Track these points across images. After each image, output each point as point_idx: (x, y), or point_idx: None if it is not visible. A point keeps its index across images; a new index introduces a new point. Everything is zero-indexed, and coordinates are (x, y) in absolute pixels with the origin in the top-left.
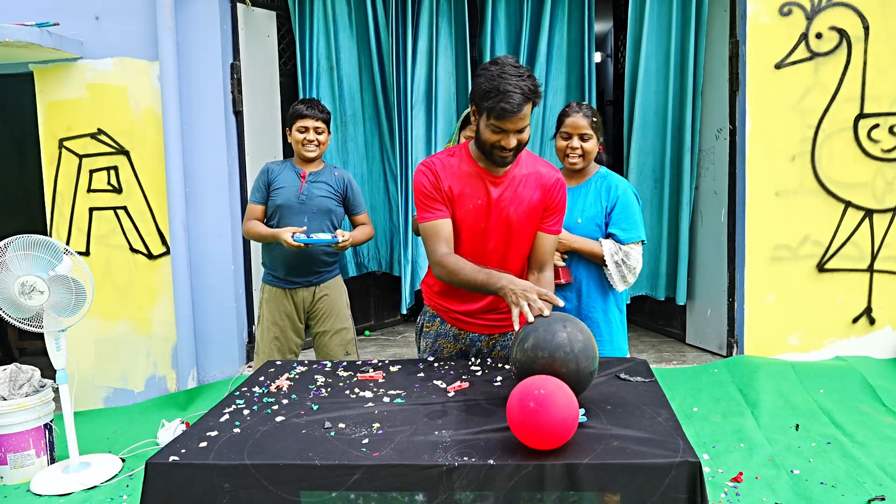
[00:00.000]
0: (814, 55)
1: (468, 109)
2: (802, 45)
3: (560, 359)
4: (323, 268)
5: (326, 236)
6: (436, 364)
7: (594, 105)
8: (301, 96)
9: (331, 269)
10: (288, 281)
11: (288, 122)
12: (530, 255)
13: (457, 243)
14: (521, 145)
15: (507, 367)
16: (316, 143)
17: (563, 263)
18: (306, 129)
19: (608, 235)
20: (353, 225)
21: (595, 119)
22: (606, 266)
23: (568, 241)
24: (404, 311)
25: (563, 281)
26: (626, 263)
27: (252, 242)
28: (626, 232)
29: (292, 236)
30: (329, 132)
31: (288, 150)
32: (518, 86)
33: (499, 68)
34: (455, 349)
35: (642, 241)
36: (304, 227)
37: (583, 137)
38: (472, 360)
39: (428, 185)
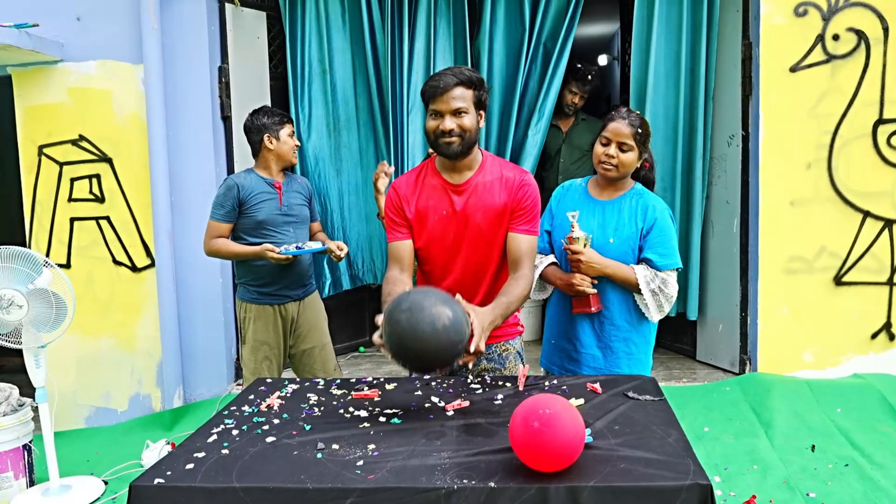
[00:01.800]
0: (830, 58)
1: None
2: (818, 47)
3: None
4: (309, 280)
5: (313, 245)
6: (433, 382)
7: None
8: (292, 101)
9: (312, 283)
10: (279, 296)
11: (271, 129)
12: (508, 258)
13: (429, 258)
14: (464, 132)
15: (508, 384)
16: (297, 145)
17: (593, 290)
18: (291, 136)
19: (641, 260)
20: (310, 232)
21: (640, 131)
22: (640, 294)
23: (600, 265)
24: None
25: (593, 309)
26: (664, 292)
27: None
28: (663, 258)
29: (280, 251)
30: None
31: None
32: (449, 71)
33: (443, 69)
34: None
35: (678, 269)
36: (285, 246)
37: (622, 147)
38: (472, 377)
39: (391, 207)
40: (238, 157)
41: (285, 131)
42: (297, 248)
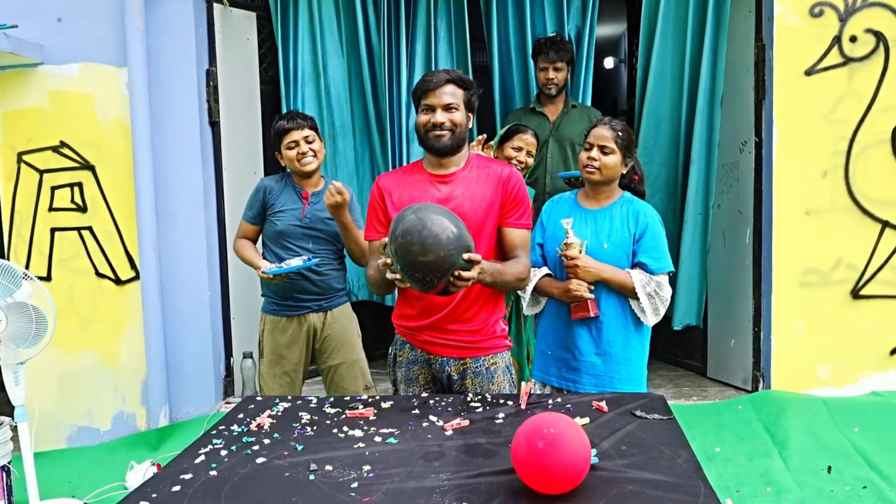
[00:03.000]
0: (848, 60)
1: (507, 126)
2: (835, 49)
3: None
4: (336, 290)
5: (299, 261)
6: (431, 400)
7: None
8: (284, 106)
9: (340, 294)
10: (297, 307)
11: (274, 143)
12: (503, 254)
13: None
14: (455, 127)
15: (509, 402)
16: (311, 153)
17: (590, 294)
18: (296, 143)
19: (635, 265)
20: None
21: (622, 134)
22: (637, 299)
23: (596, 269)
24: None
25: (591, 314)
26: (659, 295)
27: (231, 266)
28: (656, 261)
29: (268, 267)
30: (321, 139)
31: (271, 165)
32: (442, 70)
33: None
34: (429, 375)
35: (670, 272)
36: (274, 264)
37: (603, 150)
38: (471, 395)
39: (373, 202)
40: (227, 165)
41: (284, 144)
42: (280, 267)
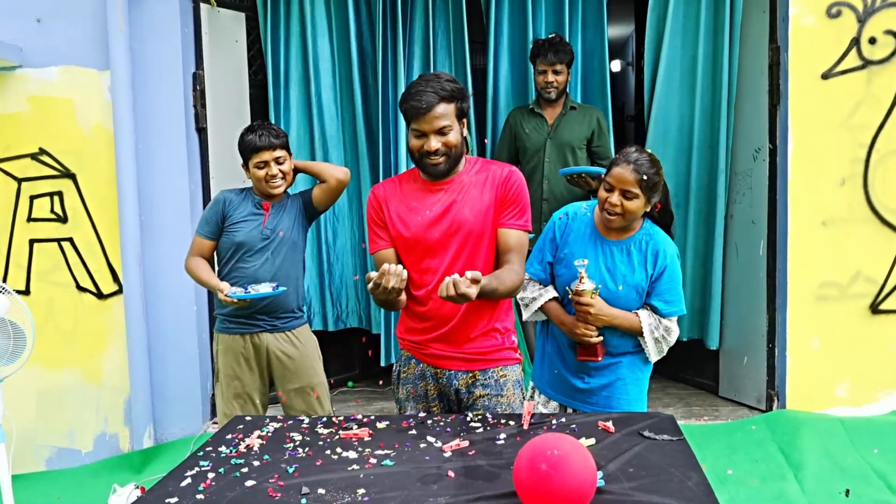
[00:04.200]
0: (867, 63)
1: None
2: (853, 51)
3: None
4: (290, 310)
5: (267, 287)
6: (429, 420)
7: (609, 116)
8: (272, 112)
9: (298, 314)
10: (248, 324)
11: (242, 156)
12: (497, 257)
13: (411, 260)
14: (450, 150)
15: (511, 422)
16: (280, 175)
17: (597, 339)
18: (265, 164)
19: (647, 304)
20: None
21: (646, 178)
22: (642, 336)
23: (608, 316)
24: (383, 364)
25: (599, 359)
26: (667, 339)
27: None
28: (669, 305)
29: (233, 291)
30: (290, 155)
31: None
32: (430, 85)
33: (420, 79)
34: (436, 390)
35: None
36: (235, 287)
37: (626, 195)
38: (471, 415)
39: (371, 214)
40: (214, 172)
41: (252, 162)
42: (245, 290)
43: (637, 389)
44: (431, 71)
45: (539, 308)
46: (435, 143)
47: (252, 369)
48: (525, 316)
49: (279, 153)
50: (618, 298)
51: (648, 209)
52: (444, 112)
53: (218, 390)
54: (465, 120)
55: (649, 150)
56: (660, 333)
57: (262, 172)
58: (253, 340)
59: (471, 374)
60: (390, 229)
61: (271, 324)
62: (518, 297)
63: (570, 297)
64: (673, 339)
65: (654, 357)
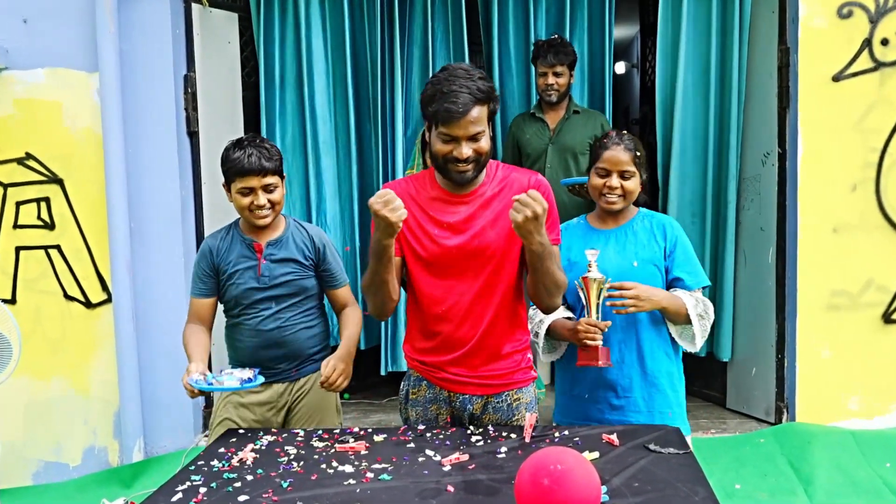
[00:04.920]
0: (879, 65)
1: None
2: (865, 52)
3: None
4: (301, 357)
5: (245, 374)
6: (428, 433)
7: (609, 119)
8: (264, 116)
9: (315, 357)
10: (261, 373)
11: (224, 176)
12: (526, 275)
13: (424, 279)
14: (480, 156)
15: (513, 435)
16: (269, 205)
17: (598, 341)
18: (251, 191)
19: (671, 283)
20: (332, 301)
21: (639, 154)
22: (687, 323)
23: (655, 298)
24: (383, 373)
25: (599, 363)
26: (707, 314)
27: None
28: (692, 276)
29: (194, 379)
30: (284, 179)
31: None
32: (465, 85)
33: (446, 73)
34: (449, 413)
35: (707, 286)
36: (199, 374)
37: (623, 175)
38: (471, 427)
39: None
40: (206, 177)
41: (236, 188)
42: (209, 382)
43: (677, 401)
44: (431, 73)
45: (548, 333)
46: (467, 149)
47: (258, 421)
48: (543, 356)
49: (270, 179)
50: (636, 275)
51: (642, 188)
52: (479, 116)
53: (211, 437)
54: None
55: (625, 132)
56: (701, 308)
57: (246, 200)
58: (264, 391)
59: (485, 398)
60: (400, 240)
61: (286, 374)
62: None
63: (608, 287)
64: (712, 313)
65: (700, 339)
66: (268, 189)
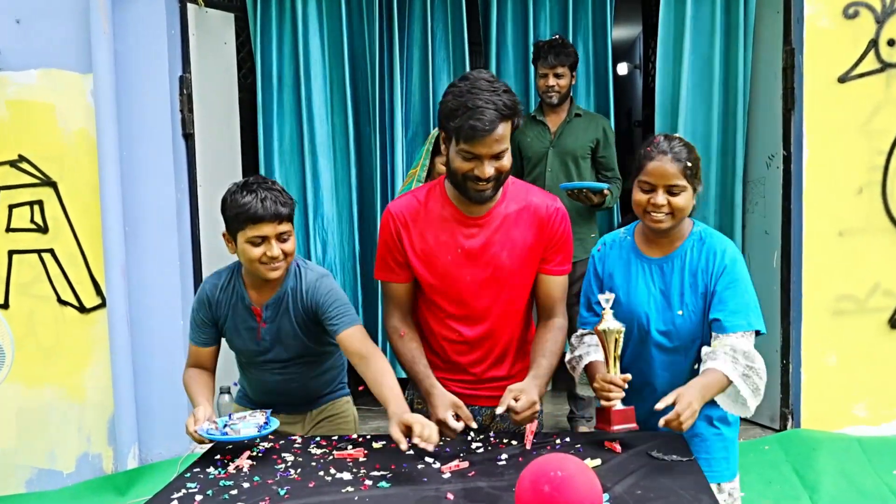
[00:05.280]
0: (885, 66)
1: (436, 130)
2: (871, 53)
3: None
4: (321, 396)
5: (252, 429)
6: None
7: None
8: (260, 116)
9: (334, 391)
10: (265, 408)
11: (229, 224)
12: (536, 303)
13: (435, 308)
14: (501, 175)
15: (513, 442)
16: (282, 256)
17: (612, 402)
18: (264, 240)
19: (711, 323)
20: (342, 347)
21: (690, 164)
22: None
23: (699, 401)
24: None
25: (613, 429)
26: (753, 368)
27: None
28: (735, 316)
29: (198, 427)
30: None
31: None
32: (491, 100)
33: (469, 83)
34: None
35: (757, 332)
36: (213, 421)
37: (671, 190)
38: (472, 434)
39: (387, 239)
40: (202, 181)
41: (246, 236)
42: (222, 430)
43: (723, 445)
44: (430, 74)
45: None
46: (489, 168)
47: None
48: (578, 380)
49: (285, 227)
50: (680, 325)
51: (695, 202)
52: (504, 133)
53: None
54: None
55: (678, 135)
56: (743, 367)
57: (257, 252)
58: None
59: (493, 409)
60: (409, 263)
61: (300, 406)
62: (566, 358)
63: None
64: (760, 367)
65: (752, 402)
66: (282, 238)
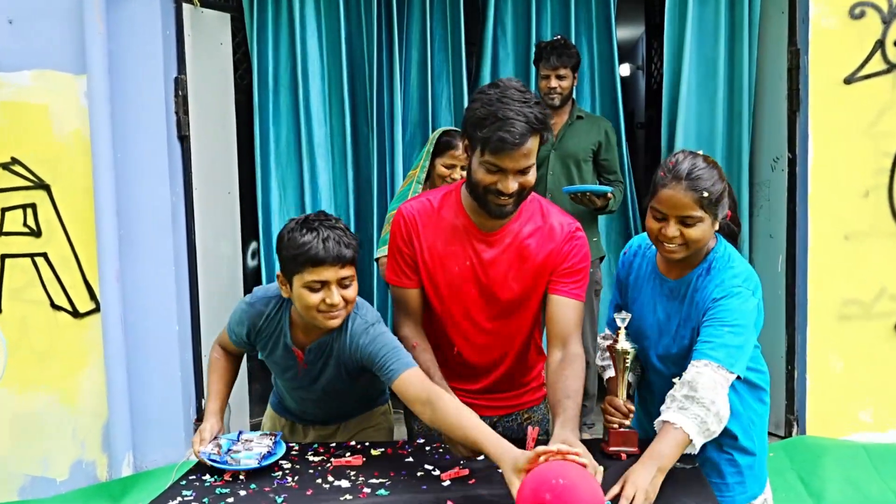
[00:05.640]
0: (892, 67)
1: (440, 129)
2: (878, 54)
3: None
4: (358, 407)
5: (253, 460)
6: (427, 447)
7: (621, 127)
8: (256, 118)
9: (374, 400)
10: (305, 420)
11: (284, 265)
12: (548, 329)
13: (439, 319)
14: (524, 190)
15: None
16: (343, 303)
17: (615, 425)
18: (323, 285)
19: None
20: (403, 398)
21: (707, 194)
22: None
23: (654, 487)
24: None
25: (610, 449)
26: (694, 398)
27: (202, 297)
28: (701, 345)
29: (201, 449)
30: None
31: (246, 184)
32: (522, 112)
33: (499, 91)
34: None
35: (735, 375)
36: (218, 444)
37: (685, 221)
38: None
39: (396, 239)
40: (198, 184)
41: (302, 279)
42: (223, 456)
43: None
44: (429, 75)
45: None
46: (513, 184)
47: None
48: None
49: (348, 271)
50: (675, 354)
51: (717, 228)
52: (532, 148)
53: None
54: None
55: (701, 153)
56: (681, 394)
57: (315, 298)
58: (306, 433)
59: (494, 418)
60: (420, 269)
61: (331, 417)
62: (598, 362)
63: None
64: (705, 395)
65: (698, 441)
66: (343, 283)
